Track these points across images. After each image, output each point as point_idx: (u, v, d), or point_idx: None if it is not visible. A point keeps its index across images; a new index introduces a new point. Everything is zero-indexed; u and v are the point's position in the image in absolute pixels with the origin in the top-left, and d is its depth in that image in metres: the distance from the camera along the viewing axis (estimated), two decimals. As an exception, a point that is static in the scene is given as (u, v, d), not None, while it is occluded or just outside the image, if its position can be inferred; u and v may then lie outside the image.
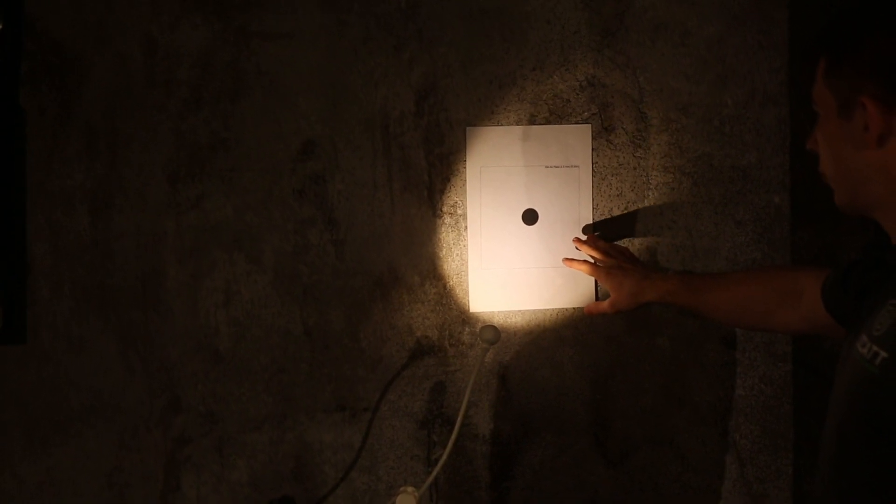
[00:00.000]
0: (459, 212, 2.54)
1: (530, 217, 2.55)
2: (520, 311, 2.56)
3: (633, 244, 2.65)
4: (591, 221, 2.61)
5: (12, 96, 2.31)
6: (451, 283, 2.55)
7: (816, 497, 1.74)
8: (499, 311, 2.56)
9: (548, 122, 2.56)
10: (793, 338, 2.67)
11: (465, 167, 2.54)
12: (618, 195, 2.59)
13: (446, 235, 2.55)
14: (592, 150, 2.58)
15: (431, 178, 2.56)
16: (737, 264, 2.62)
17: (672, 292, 2.24)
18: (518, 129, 2.56)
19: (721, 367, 2.62)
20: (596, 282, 2.63)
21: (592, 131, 2.57)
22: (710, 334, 2.62)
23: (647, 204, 2.61)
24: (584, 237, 2.47)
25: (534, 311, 2.57)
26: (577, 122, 2.57)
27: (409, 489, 2.31)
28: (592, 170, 2.57)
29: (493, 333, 2.40)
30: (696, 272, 2.48)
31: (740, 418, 2.61)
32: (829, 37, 1.67)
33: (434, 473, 2.38)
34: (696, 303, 2.26)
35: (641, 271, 2.33)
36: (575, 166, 2.57)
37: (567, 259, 2.47)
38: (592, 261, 2.43)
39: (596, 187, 2.58)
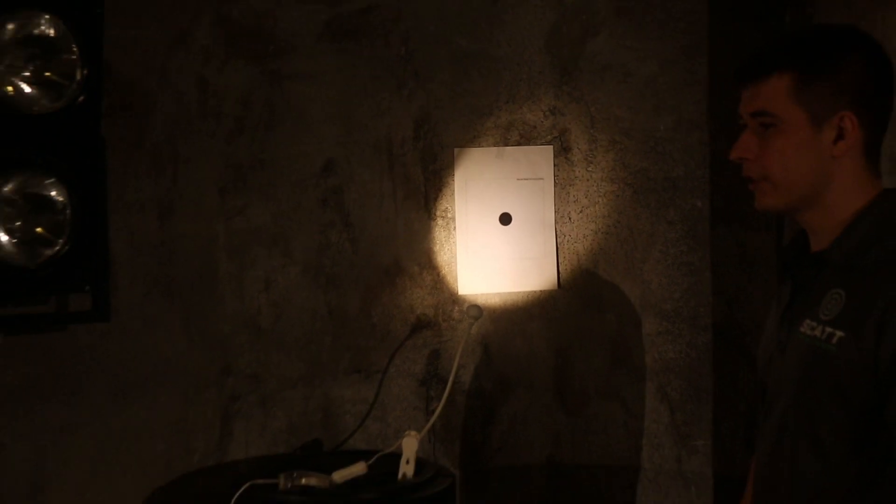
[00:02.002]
0: (449, 215, 2.74)
1: (506, 219, 2.75)
2: (498, 293, 2.76)
3: (586, 240, 2.81)
4: (553, 223, 2.78)
5: (95, 127, 2.26)
6: (443, 271, 2.74)
7: (765, 453, 1.67)
8: (481, 293, 2.75)
9: (518, 144, 2.75)
10: (713, 312, 2.81)
11: (453, 180, 2.73)
12: (574, 201, 2.79)
13: (439, 234, 2.74)
14: (554, 165, 2.77)
15: (427, 189, 2.74)
16: (668, 255, 2.80)
17: None
18: (495, 150, 2.74)
19: (656, 336, 2.81)
20: (558, 267, 2.79)
21: (554, 151, 2.76)
22: (647, 310, 2.81)
23: (597, 209, 2.80)
24: None
25: (508, 292, 2.77)
26: (541, 144, 2.75)
27: (413, 433, 2.37)
28: (554, 181, 2.77)
29: (477, 311, 2.57)
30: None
31: (671, 376, 2.81)
32: (800, 56, 1.59)
33: (431, 421, 2.50)
34: None
35: None
36: (540, 178, 2.76)
37: None
38: None
39: (557, 195, 2.77)
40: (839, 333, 1.48)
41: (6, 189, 2.15)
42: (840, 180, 1.56)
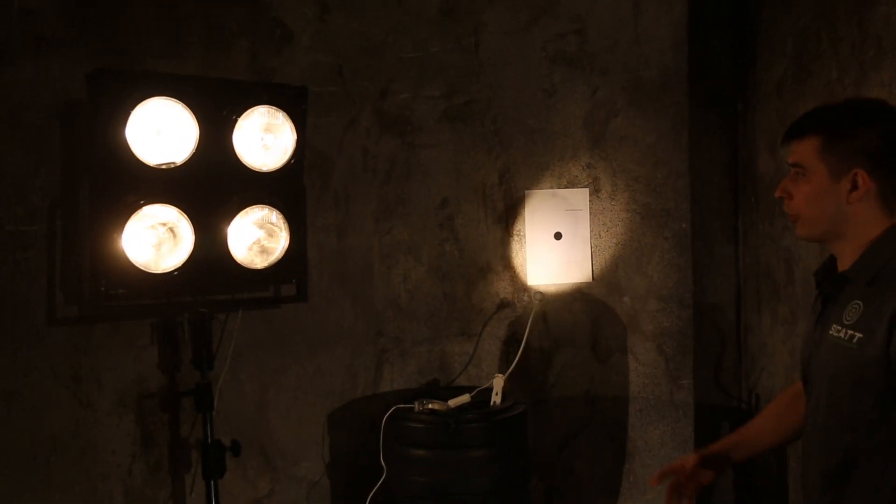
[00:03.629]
0: (522, 234, 2.75)
1: (558, 236, 2.74)
2: (553, 283, 2.75)
3: (610, 249, 2.78)
4: (588, 238, 2.75)
5: (299, 179, 2.24)
6: (517, 270, 2.75)
7: (807, 427, 1.50)
8: (542, 284, 2.74)
9: (566, 188, 2.75)
10: (693, 296, 2.79)
11: (524, 210, 2.73)
12: (602, 224, 2.80)
13: (515, 246, 2.75)
14: (589, 201, 2.77)
15: (507, 217, 2.74)
16: (664, 259, 2.79)
17: (731, 458, 1.68)
18: (551, 191, 2.74)
19: (656, 312, 2.81)
20: (592, 267, 2.75)
21: (589, 192, 2.77)
22: (650, 295, 2.79)
23: (617, 229, 2.81)
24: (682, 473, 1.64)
25: (560, 283, 2.76)
26: (581, 187, 2.76)
27: (499, 375, 2.42)
28: (589, 211, 2.77)
29: (540, 296, 2.66)
30: (742, 431, 1.74)
31: (666, 338, 2.82)
32: (827, 124, 1.45)
33: (511, 367, 2.53)
34: (747, 456, 1.72)
35: (719, 457, 1.65)
36: (580, 209, 2.76)
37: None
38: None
39: (591, 220, 2.78)
40: (858, 335, 1.37)
41: (250, 219, 2.18)
42: (856, 219, 1.43)
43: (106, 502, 2.32)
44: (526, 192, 2.73)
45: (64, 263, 2.24)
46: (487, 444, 2.25)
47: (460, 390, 2.43)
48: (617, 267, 2.81)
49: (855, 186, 1.42)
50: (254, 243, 2.21)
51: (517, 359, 2.55)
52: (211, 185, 2.10)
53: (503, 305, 2.74)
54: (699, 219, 2.81)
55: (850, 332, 1.39)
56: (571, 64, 2.74)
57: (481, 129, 2.71)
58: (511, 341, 2.73)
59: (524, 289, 2.75)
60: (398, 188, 2.66)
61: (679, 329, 2.80)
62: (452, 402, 2.33)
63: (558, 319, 2.76)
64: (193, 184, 2.07)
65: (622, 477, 2.83)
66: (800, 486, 1.54)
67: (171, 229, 2.07)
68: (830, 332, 1.44)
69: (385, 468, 2.31)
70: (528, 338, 2.62)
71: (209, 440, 2.19)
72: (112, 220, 1.97)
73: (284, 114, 2.20)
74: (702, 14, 2.79)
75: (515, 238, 2.75)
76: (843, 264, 1.48)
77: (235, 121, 2.12)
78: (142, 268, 2.01)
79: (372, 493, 2.34)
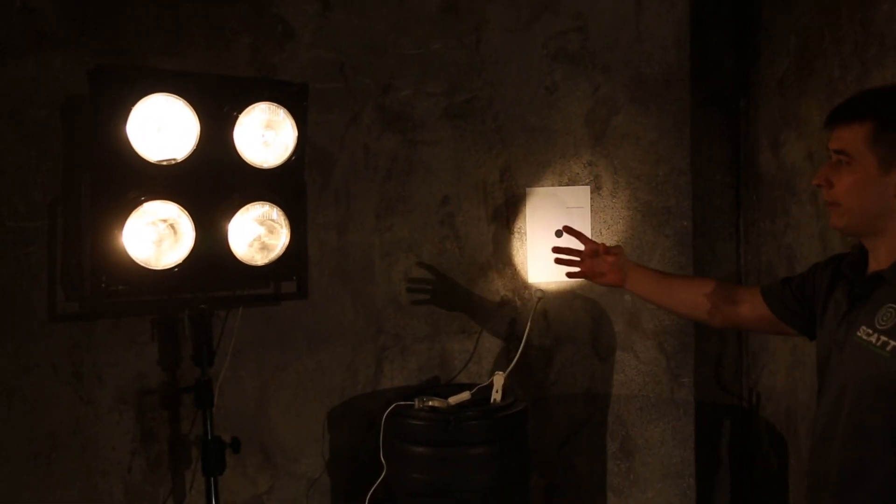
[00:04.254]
0: (522, 231, 2.73)
1: (559, 234, 2.58)
2: (554, 281, 2.72)
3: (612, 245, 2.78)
4: (590, 236, 2.62)
5: (300, 176, 2.28)
6: (518, 267, 2.74)
7: (819, 429, 1.43)
8: (543, 282, 2.71)
9: (567, 185, 2.74)
10: None
11: (525, 208, 2.72)
12: (603, 222, 2.78)
13: (515, 243, 2.74)
14: (591, 199, 2.75)
15: (508, 214, 2.73)
16: (665, 257, 2.76)
17: (642, 285, 1.87)
18: (552, 189, 2.72)
19: (657, 310, 2.75)
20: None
21: (591, 189, 2.75)
22: None
23: (619, 227, 2.79)
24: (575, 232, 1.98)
25: (560, 281, 2.68)
26: (582, 185, 2.74)
27: (500, 373, 2.39)
28: (591, 209, 2.74)
29: (540, 293, 2.53)
30: (657, 272, 2.00)
31: (667, 336, 2.79)
32: (880, 109, 1.33)
33: (511, 365, 2.45)
34: (657, 297, 1.90)
35: (630, 262, 1.90)
36: (581, 207, 2.73)
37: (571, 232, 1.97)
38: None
39: (592, 218, 2.75)
40: (893, 343, 1.27)
41: (251, 216, 2.18)
42: None
43: (106, 499, 2.32)
44: (527, 189, 2.72)
45: (65, 260, 2.24)
46: (487, 442, 2.25)
47: (460, 388, 2.44)
48: (618, 265, 2.80)
49: None
50: (254, 240, 2.21)
51: (517, 356, 2.50)
52: (212, 182, 2.11)
53: (504, 303, 2.74)
54: (700, 216, 2.80)
55: (883, 338, 1.30)
56: (573, 61, 2.73)
57: (482, 127, 2.70)
58: (511, 339, 2.72)
59: (525, 286, 2.74)
60: (399, 185, 2.66)
61: (680, 327, 2.79)
62: (452, 400, 2.33)
63: (559, 317, 2.75)
64: (194, 180, 2.07)
65: (622, 475, 2.83)
66: (807, 485, 1.51)
67: (172, 226, 2.07)
68: (858, 334, 1.35)
69: (385, 465, 2.31)
70: (528, 335, 2.57)
71: (209, 437, 2.19)
72: (113, 216, 1.98)
73: (285, 110, 2.20)
74: (704, 11, 2.79)
75: (516, 236, 2.74)
76: (879, 263, 1.38)
77: (236, 117, 2.12)
78: (142, 264, 2.01)
79: (372, 490, 2.34)
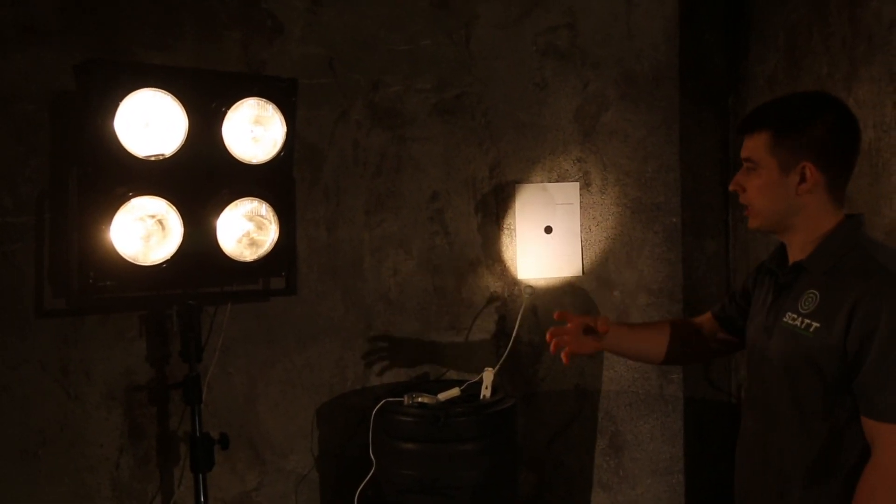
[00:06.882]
0: (512, 227, 2.73)
1: (548, 230, 2.72)
2: (543, 277, 2.74)
3: (601, 244, 2.77)
4: (579, 232, 2.74)
5: (289, 172, 2.25)
6: (507, 263, 2.73)
7: (753, 409, 1.58)
8: (533, 278, 2.72)
9: (557, 181, 2.74)
10: (682, 290, 2.77)
11: (514, 204, 2.71)
12: (593, 218, 2.79)
13: (505, 240, 2.74)
14: (580, 195, 2.76)
15: (497, 210, 2.73)
16: (654, 254, 2.78)
17: (612, 347, 1.86)
18: (542, 185, 2.73)
19: (646, 306, 2.80)
20: (582, 261, 2.73)
21: (580, 186, 2.75)
22: (640, 289, 2.79)
23: (608, 223, 2.80)
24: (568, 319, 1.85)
25: (550, 277, 2.74)
26: (571, 181, 2.75)
27: (489, 369, 2.40)
28: (580, 205, 2.75)
29: (530, 289, 2.62)
30: (625, 326, 2.04)
31: None
32: (777, 118, 1.47)
33: (501, 361, 2.53)
34: (628, 353, 1.92)
35: (595, 333, 1.80)
36: (571, 203, 2.74)
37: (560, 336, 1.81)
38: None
39: (582, 214, 2.76)
40: (815, 324, 1.40)
41: (239, 212, 2.18)
42: (806, 212, 1.47)
43: (94, 495, 2.32)
44: (516, 185, 2.72)
45: (52, 255, 2.24)
46: (477, 438, 2.25)
47: (450, 384, 2.43)
48: (607, 261, 2.81)
49: (803, 179, 1.44)
50: (243, 236, 2.21)
51: (507, 352, 2.54)
52: (200, 177, 2.10)
53: (493, 299, 2.73)
54: (689, 213, 2.81)
55: (806, 320, 1.42)
56: (563, 58, 2.73)
57: (472, 123, 2.70)
58: (501, 335, 2.72)
59: (514, 283, 2.74)
60: (389, 181, 2.65)
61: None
62: (442, 396, 2.33)
63: (548, 313, 2.75)
64: (182, 176, 2.07)
65: (611, 471, 2.84)
66: (742, 462, 1.63)
67: (160, 221, 2.07)
68: (784, 320, 1.47)
69: (374, 461, 2.31)
70: (517, 331, 2.61)
71: (198, 433, 2.19)
72: (101, 211, 1.97)
73: (274, 106, 2.19)
74: (694, 9, 2.79)
75: (506, 232, 2.74)
76: (795, 255, 1.52)
77: (225, 112, 2.11)
78: (130, 260, 2.01)
79: (361, 487, 2.34)
